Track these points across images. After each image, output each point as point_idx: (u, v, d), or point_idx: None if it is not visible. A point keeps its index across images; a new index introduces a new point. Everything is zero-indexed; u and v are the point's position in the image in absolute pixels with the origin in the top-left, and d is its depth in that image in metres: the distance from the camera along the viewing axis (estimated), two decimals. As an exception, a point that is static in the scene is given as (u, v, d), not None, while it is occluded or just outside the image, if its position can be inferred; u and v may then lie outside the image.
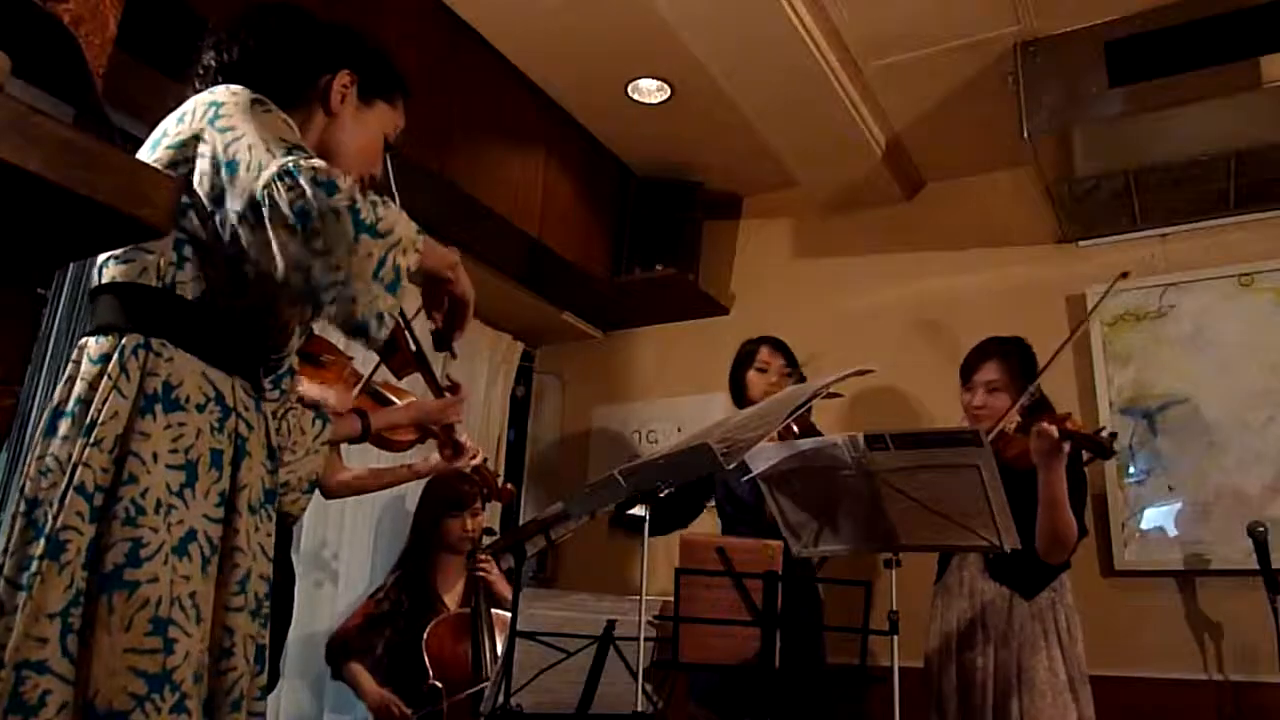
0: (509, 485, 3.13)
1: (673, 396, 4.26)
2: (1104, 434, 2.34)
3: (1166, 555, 3.17)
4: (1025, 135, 3.03)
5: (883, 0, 2.99)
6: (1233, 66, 2.76)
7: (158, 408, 1.17)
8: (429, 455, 2.79)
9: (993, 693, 2.45)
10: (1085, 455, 2.45)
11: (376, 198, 1.23)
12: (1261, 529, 2.70)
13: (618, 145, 4.03)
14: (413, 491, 3.59)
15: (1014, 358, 2.69)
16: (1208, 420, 3.23)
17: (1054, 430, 2.32)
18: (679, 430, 4.08)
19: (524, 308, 4.19)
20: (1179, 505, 3.20)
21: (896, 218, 3.98)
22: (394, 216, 1.22)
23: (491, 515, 3.88)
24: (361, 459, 3.06)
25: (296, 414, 1.50)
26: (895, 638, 2.13)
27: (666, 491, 2.31)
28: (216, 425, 1.22)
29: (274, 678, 2.51)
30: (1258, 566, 2.70)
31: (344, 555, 3.49)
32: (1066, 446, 2.33)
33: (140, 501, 1.12)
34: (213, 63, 1.40)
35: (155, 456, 1.15)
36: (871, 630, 2.13)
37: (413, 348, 1.85)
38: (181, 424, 1.19)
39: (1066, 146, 3.10)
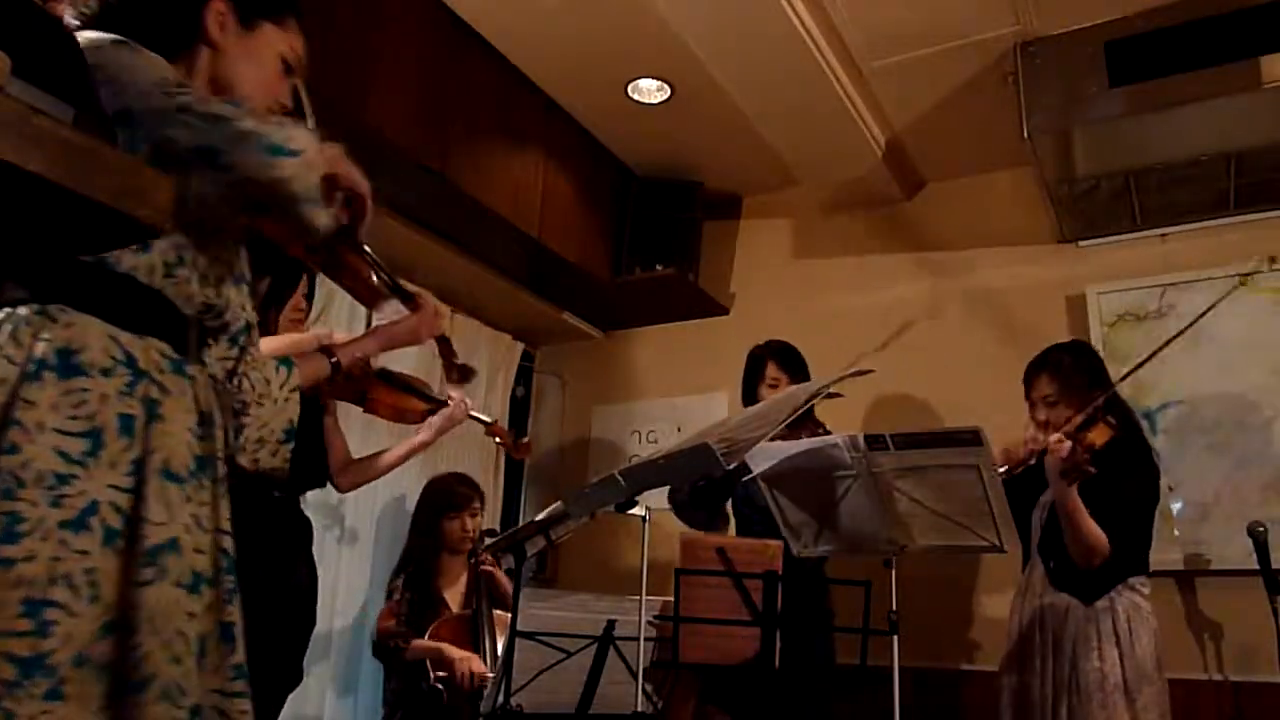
0: (526, 440, 3.13)
1: (673, 396, 4.26)
2: (1084, 461, 2.30)
3: (1166, 555, 3.17)
4: (1025, 135, 3.03)
5: (883, 0, 2.99)
6: (1233, 66, 2.75)
7: (48, 374, 1.10)
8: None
9: (1048, 695, 2.41)
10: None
11: (278, 117, 1.21)
12: (1261, 529, 2.69)
13: (618, 145, 4.03)
14: (412, 492, 3.60)
15: (1067, 367, 2.61)
16: (1208, 420, 3.22)
17: (1064, 450, 2.28)
18: (679, 430, 4.08)
19: (524, 308, 4.19)
20: (1179, 505, 3.20)
21: (896, 218, 3.98)
22: (298, 132, 1.19)
23: (491, 516, 3.88)
24: (365, 442, 3.06)
25: (258, 366, 1.42)
26: (895, 638, 2.13)
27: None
28: (126, 389, 1.15)
29: (297, 676, 2.50)
30: (1258, 566, 2.70)
31: (344, 555, 3.49)
32: (1074, 474, 2.29)
33: (20, 474, 1.05)
34: (77, 20, 1.29)
35: (41, 425, 1.08)
36: (872, 630, 2.12)
37: (379, 277, 1.75)
38: (84, 389, 1.11)
39: (1066, 146, 3.09)
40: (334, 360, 1.70)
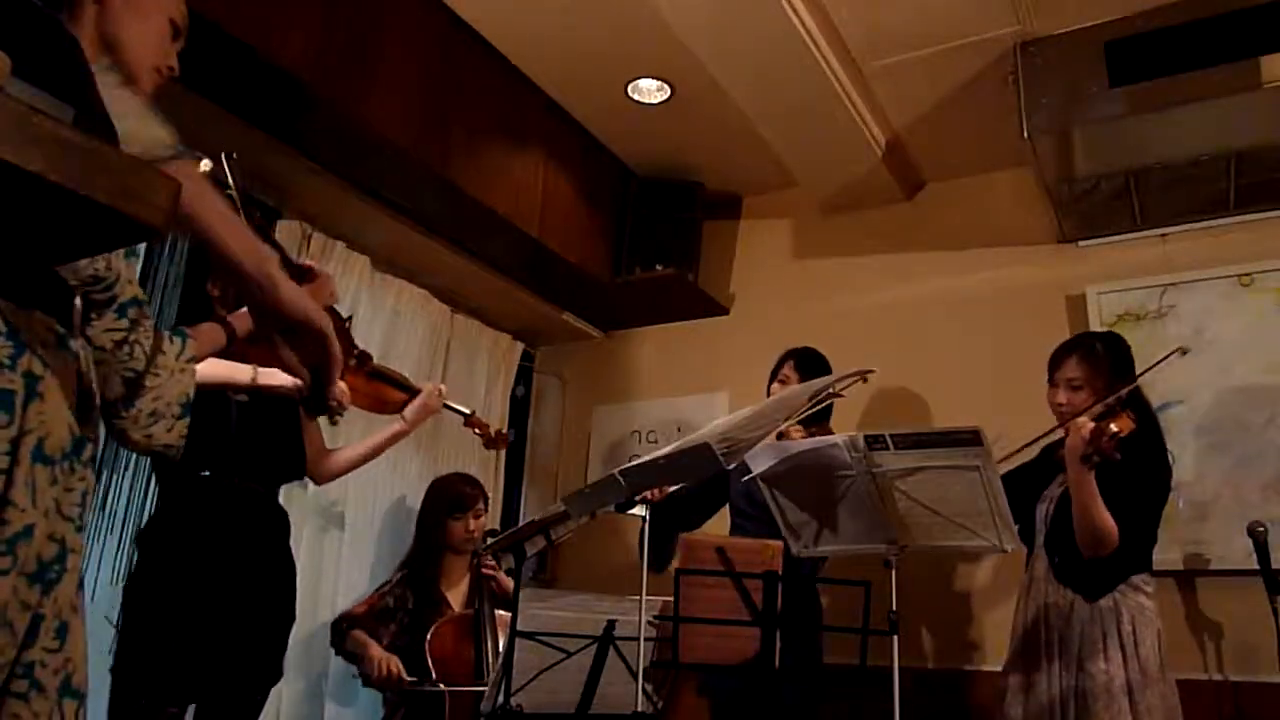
0: (504, 431, 3.16)
1: (673, 396, 4.26)
2: (1109, 446, 2.30)
3: (1166, 555, 3.16)
4: (1025, 135, 3.02)
5: (883, 0, 2.99)
6: (1233, 66, 2.75)
7: None
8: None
9: (1055, 698, 2.40)
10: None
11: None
12: (1261, 529, 2.69)
13: (618, 145, 4.03)
14: (412, 492, 3.60)
15: (1098, 353, 2.59)
16: (1207, 420, 3.22)
17: (1086, 431, 2.28)
18: (679, 430, 4.08)
19: (524, 308, 4.19)
20: (1179, 505, 3.20)
21: (896, 218, 3.98)
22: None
23: (491, 516, 3.88)
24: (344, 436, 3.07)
25: (149, 337, 1.32)
26: (895, 638, 2.13)
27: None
28: (8, 362, 1.06)
29: (277, 672, 2.51)
30: (1258, 566, 2.70)
31: (345, 554, 3.48)
32: (1094, 458, 2.28)
33: None
34: None
35: None
36: (871, 630, 2.12)
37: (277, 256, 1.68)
38: None
39: (1066, 146, 3.09)
40: (230, 330, 1.69)
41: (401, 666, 2.90)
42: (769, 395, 3.14)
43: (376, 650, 2.94)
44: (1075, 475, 2.34)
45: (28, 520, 1.07)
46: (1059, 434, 2.54)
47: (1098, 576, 2.44)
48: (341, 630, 3.03)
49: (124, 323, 1.26)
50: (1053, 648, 2.45)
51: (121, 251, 1.21)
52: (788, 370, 3.16)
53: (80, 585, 1.16)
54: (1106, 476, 2.35)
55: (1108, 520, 2.35)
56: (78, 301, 1.18)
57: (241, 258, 1.17)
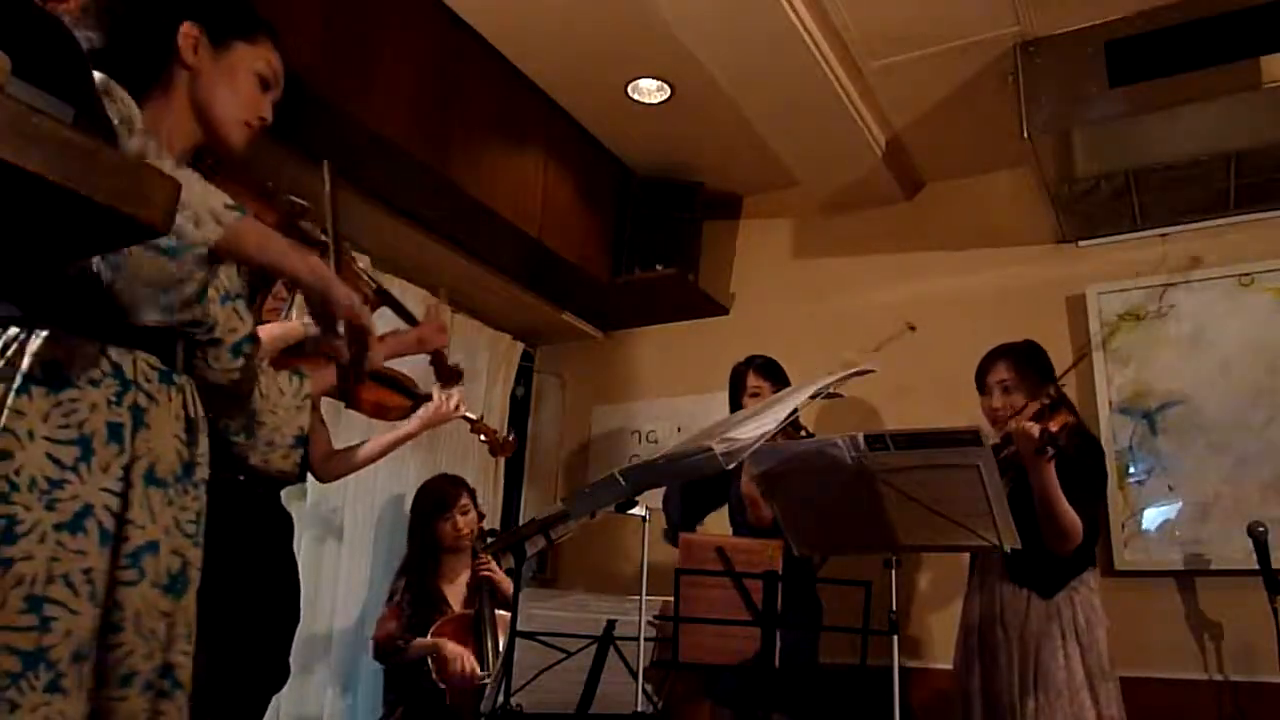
0: (511, 438, 3.16)
1: (673, 396, 4.26)
2: (1061, 436, 2.41)
3: (1166, 555, 3.17)
4: (1025, 135, 3.02)
5: (883, 0, 2.99)
6: (1233, 66, 2.75)
7: (35, 388, 1.16)
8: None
9: (1014, 693, 2.46)
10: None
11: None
12: (1261, 529, 2.70)
13: (618, 145, 4.03)
14: (411, 492, 3.59)
15: (1023, 356, 2.74)
16: (1207, 420, 3.22)
17: (1034, 430, 2.39)
18: (679, 430, 4.08)
19: (524, 308, 4.19)
20: (1179, 505, 3.20)
21: (896, 218, 3.98)
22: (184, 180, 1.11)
23: (491, 516, 3.88)
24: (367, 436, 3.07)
25: (269, 376, 1.51)
26: (895, 638, 2.13)
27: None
28: (114, 399, 1.22)
29: (283, 675, 2.50)
30: (1258, 566, 2.70)
31: (344, 555, 3.48)
32: (1050, 449, 2.38)
33: (14, 479, 1.12)
34: None
35: (32, 434, 1.14)
36: (871, 630, 2.13)
37: (376, 294, 1.78)
38: (74, 400, 1.18)
39: (1066, 146, 3.09)
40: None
41: (476, 662, 2.92)
42: (741, 409, 3.13)
43: (454, 648, 2.93)
44: (1037, 475, 2.43)
45: (150, 536, 1.22)
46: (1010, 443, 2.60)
47: (1051, 573, 2.52)
48: (397, 647, 3.00)
49: (239, 362, 1.42)
50: (1011, 644, 2.52)
51: (216, 298, 1.35)
52: (757, 381, 3.16)
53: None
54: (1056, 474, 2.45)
55: (1071, 513, 2.44)
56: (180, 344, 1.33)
57: (305, 275, 1.34)
